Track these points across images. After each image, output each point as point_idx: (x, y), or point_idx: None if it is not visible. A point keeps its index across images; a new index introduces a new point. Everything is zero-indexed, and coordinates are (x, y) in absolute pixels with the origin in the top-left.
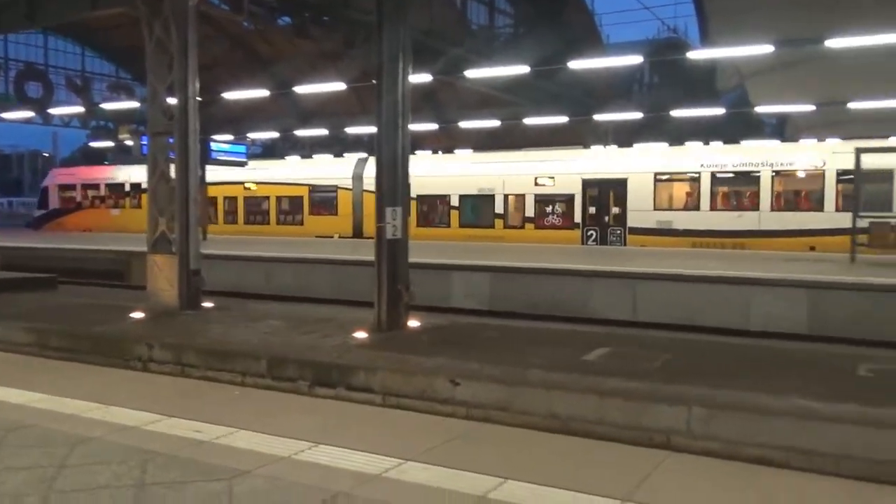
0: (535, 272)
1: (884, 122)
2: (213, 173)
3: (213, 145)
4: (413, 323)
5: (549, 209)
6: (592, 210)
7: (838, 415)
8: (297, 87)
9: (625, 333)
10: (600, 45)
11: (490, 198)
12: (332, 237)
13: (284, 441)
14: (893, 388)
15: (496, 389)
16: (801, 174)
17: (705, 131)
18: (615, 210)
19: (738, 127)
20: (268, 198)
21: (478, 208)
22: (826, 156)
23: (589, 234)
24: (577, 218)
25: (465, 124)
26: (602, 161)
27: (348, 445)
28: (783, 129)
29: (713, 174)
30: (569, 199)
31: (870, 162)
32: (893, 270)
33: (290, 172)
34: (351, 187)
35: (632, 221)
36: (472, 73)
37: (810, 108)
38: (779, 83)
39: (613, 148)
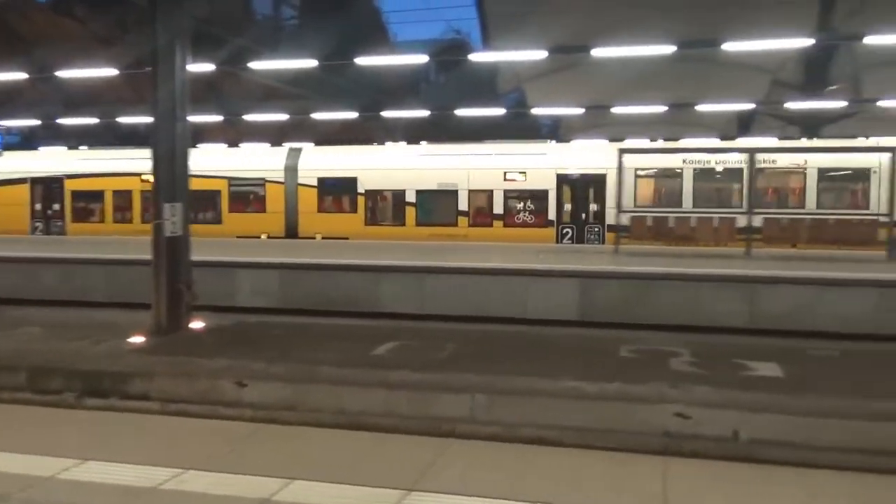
0: (325, 268)
1: (641, 124)
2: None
3: None
4: (196, 324)
5: (519, 206)
6: (568, 207)
7: (604, 393)
8: (61, 72)
9: (414, 327)
10: (387, 42)
11: (452, 193)
12: (258, 237)
13: (46, 460)
14: (650, 366)
15: (283, 389)
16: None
17: (489, 131)
18: (594, 207)
19: (518, 128)
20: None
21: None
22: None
23: (564, 232)
24: (552, 215)
25: (251, 117)
26: (578, 155)
27: (120, 459)
28: (557, 131)
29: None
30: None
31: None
32: (648, 259)
33: (207, 163)
34: (283, 181)
35: (610, 219)
36: (257, 65)
37: (579, 111)
38: (552, 87)
39: (592, 142)
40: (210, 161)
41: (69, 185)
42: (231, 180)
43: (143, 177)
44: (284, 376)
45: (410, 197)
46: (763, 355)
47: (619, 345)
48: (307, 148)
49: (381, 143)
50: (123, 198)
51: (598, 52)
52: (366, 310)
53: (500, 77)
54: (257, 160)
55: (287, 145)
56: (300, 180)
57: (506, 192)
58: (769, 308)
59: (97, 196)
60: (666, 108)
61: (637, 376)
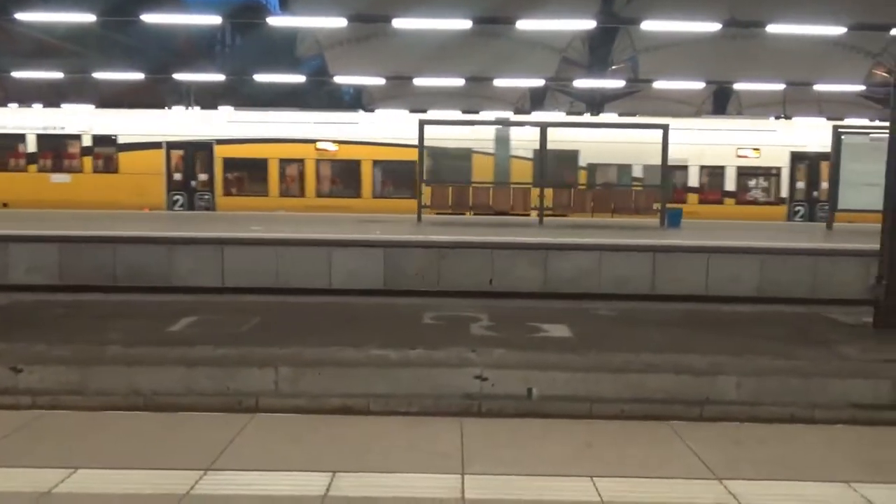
0: (111, 241)
1: (442, 96)
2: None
3: None
4: None
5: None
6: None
7: (407, 359)
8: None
9: (214, 301)
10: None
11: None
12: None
13: None
14: (451, 331)
15: (67, 372)
16: None
17: (287, 98)
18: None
19: (320, 96)
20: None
21: None
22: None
23: (796, 210)
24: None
25: (21, 75)
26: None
27: None
28: (360, 100)
29: None
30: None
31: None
32: (447, 228)
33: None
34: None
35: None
36: (24, 16)
37: (381, 81)
38: (352, 56)
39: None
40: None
41: (220, 152)
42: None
43: (318, 145)
44: (68, 359)
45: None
46: (554, 318)
47: (423, 312)
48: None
49: (170, 106)
50: (294, 167)
51: (398, 23)
52: (160, 284)
53: (300, 43)
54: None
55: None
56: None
57: (738, 168)
58: (560, 272)
59: (258, 165)
60: (464, 81)
61: (439, 342)
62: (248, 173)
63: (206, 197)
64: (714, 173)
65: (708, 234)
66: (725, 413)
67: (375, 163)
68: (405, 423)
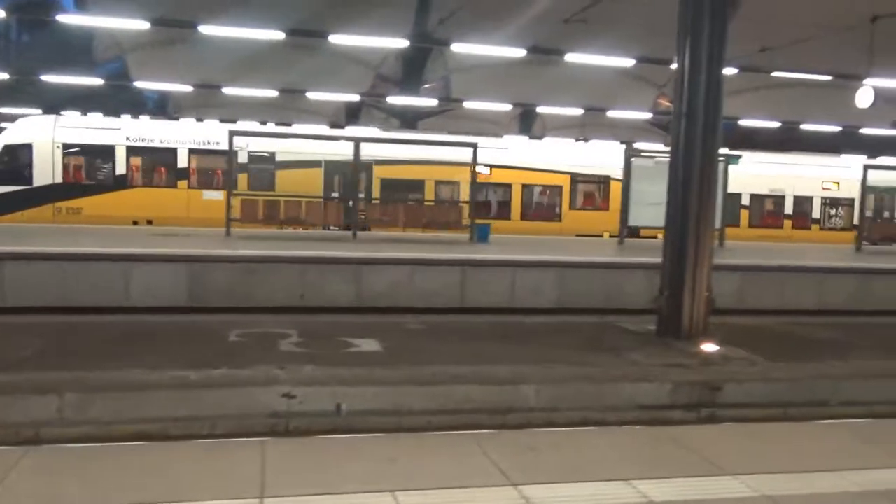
0: None
1: (253, 107)
2: None
3: None
4: None
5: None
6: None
7: (210, 380)
8: None
9: None
10: None
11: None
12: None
13: None
14: (259, 349)
15: None
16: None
17: (84, 102)
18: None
19: (121, 100)
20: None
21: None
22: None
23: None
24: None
25: None
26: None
27: None
28: (165, 107)
29: None
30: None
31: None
32: (258, 242)
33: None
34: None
35: None
36: None
37: (188, 88)
38: (157, 61)
39: None
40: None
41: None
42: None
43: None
44: None
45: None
46: (365, 332)
47: (230, 329)
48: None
49: None
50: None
51: (205, 30)
52: None
53: (97, 44)
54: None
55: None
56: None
57: (822, 199)
58: (372, 287)
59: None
60: (278, 93)
61: (245, 360)
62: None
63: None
64: None
65: (514, 249)
66: (527, 420)
67: (524, 186)
68: (205, 448)
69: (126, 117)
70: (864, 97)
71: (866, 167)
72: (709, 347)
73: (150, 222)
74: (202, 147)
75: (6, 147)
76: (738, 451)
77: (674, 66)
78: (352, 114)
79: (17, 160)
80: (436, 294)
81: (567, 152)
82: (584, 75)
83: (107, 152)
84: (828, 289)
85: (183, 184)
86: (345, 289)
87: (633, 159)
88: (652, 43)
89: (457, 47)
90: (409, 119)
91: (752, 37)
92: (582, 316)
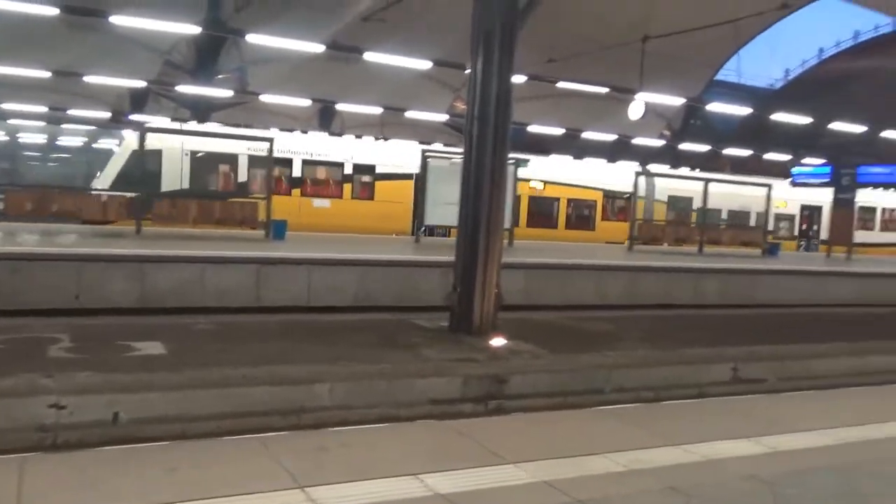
0: None
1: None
2: None
3: None
4: None
5: None
6: None
7: None
8: None
9: None
10: None
11: None
12: None
13: None
14: (24, 356)
15: None
16: None
17: None
18: None
19: None
20: None
21: None
22: None
23: None
24: None
25: None
26: None
27: None
28: None
29: None
30: None
31: None
32: (18, 237)
33: None
34: None
35: None
36: None
37: None
38: None
39: None
40: None
41: None
42: None
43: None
44: None
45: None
46: (149, 334)
47: None
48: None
49: None
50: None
51: None
52: None
53: None
54: None
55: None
56: None
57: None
58: (157, 286)
59: None
60: (50, 74)
61: (6, 369)
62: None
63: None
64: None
65: (311, 247)
66: (321, 420)
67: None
68: None
69: None
70: (635, 110)
71: (637, 174)
72: (497, 342)
73: None
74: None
75: (135, 152)
76: (521, 440)
77: (468, 70)
78: (137, 102)
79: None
80: (229, 293)
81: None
82: (384, 75)
83: (231, 161)
84: (605, 285)
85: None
86: (126, 288)
87: (429, 160)
88: (448, 46)
89: (253, 38)
90: (202, 110)
91: (541, 48)
92: (380, 314)
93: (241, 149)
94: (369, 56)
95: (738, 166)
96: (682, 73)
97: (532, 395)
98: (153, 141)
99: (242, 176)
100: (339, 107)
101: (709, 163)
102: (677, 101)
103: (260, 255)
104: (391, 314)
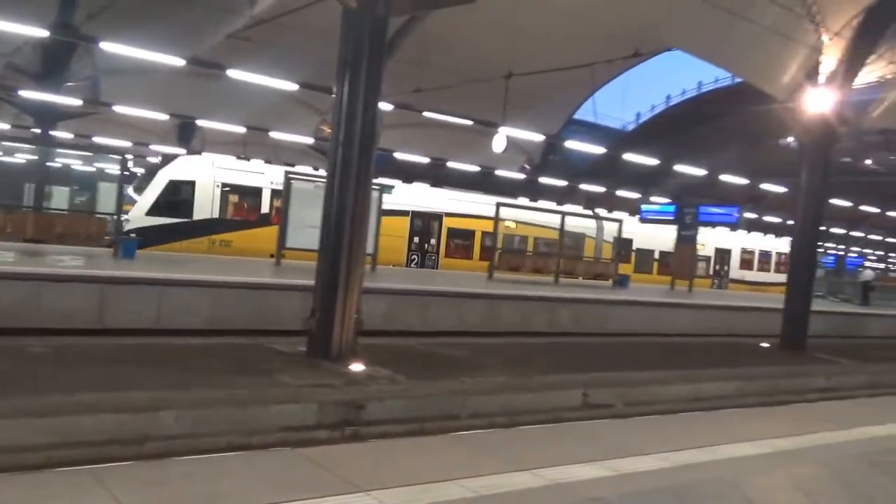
0: None
1: None
2: None
3: None
4: None
5: None
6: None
7: None
8: None
9: None
10: None
11: None
12: None
13: None
14: None
15: None
16: None
17: None
18: None
19: None
20: None
21: None
22: None
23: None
24: None
25: None
26: None
27: None
28: None
29: None
30: None
31: None
32: None
33: None
34: None
35: None
36: None
37: None
38: None
39: None
40: None
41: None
42: None
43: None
44: None
45: None
46: None
47: None
48: None
49: None
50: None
51: None
52: None
53: None
54: None
55: None
56: None
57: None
58: None
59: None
60: None
61: None
62: (461, 241)
63: (434, 258)
64: None
65: (162, 267)
66: (166, 449)
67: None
68: None
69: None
70: (498, 143)
71: (498, 205)
72: (356, 367)
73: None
74: None
75: (171, 182)
76: (375, 467)
77: (335, 95)
78: None
79: (179, 195)
80: (69, 314)
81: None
82: (248, 93)
83: (255, 193)
84: (465, 312)
85: None
86: None
87: (293, 182)
88: (315, 69)
89: (108, 47)
90: (49, 119)
91: (409, 77)
92: (236, 337)
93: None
94: (233, 73)
95: (593, 201)
96: (542, 110)
97: (389, 422)
98: None
99: None
100: (201, 123)
101: (566, 196)
102: (537, 136)
103: (105, 273)
104: (248, 338)
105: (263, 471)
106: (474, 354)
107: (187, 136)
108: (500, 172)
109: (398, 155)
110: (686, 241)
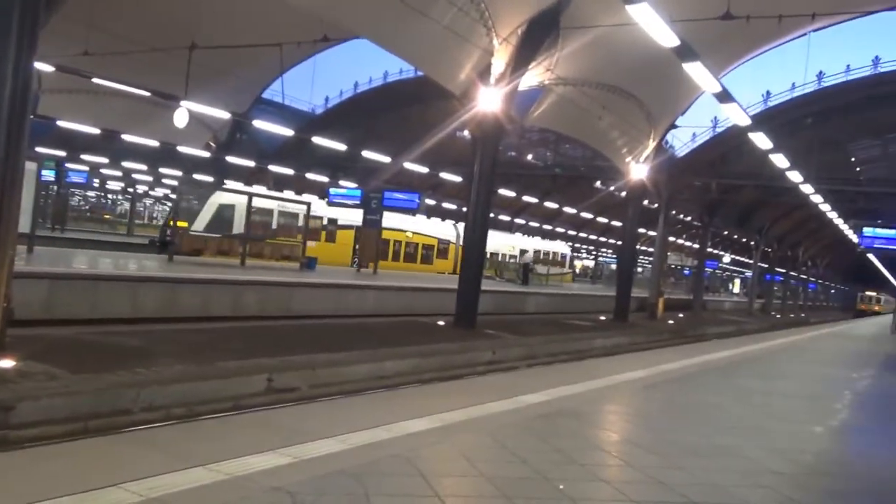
0: None
1: None
2: None
3: None
4: None
5: None
6: None
7: None
8: None
9: None
10: None
11: None
12: None
13: None
14: None
15: None
16: None
17: None
18: None
19: None
20: None
21: None
22: None
23: None
24: None
25: None
26: None
27: None
28: None
29: None
30: None
31: None
32: None
33: None
34: None
35: None
36: None
37: None
38: None
39: None
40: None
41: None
42: None
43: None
44: None
45: None
46: None
47: None
48: None
49: None
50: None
51: None
52: None
53: None
54: None
55: None
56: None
57: None
58: None
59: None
60: None
61: None
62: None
63: None
64: None
65: None
66: None
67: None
68: None
69: None
70: (180, 118)
71: (179, 182)
72: (5, 363)
73: None
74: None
75: (221, 205)
76: (22, 480)
77: None
78: None
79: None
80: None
81: None
82: None
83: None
84: (140, 297)
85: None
86: None
87: None
88: None
89: None
90: None
91: (76, 38)
92: None
93: None
94: None
95: (282, 182)
96: (229, 87)
97: (46, 423)
98: None
99: None
100: None
101: (254, 177)
102: (224, 114)
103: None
104: None
105: None
106: (150, 342)
107: None
108: (182, 149)
109: (63, 123)
110: (372, 224)
